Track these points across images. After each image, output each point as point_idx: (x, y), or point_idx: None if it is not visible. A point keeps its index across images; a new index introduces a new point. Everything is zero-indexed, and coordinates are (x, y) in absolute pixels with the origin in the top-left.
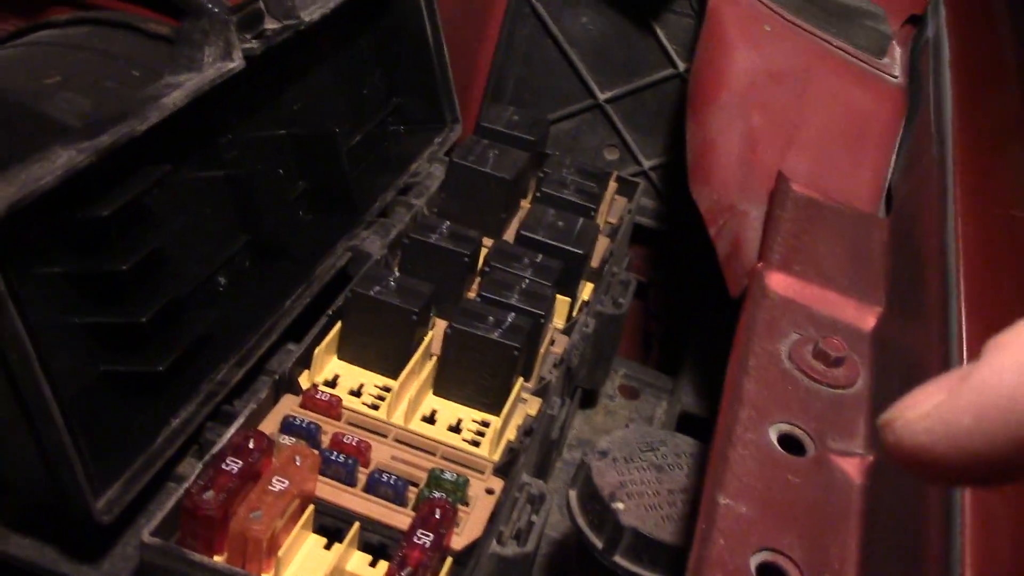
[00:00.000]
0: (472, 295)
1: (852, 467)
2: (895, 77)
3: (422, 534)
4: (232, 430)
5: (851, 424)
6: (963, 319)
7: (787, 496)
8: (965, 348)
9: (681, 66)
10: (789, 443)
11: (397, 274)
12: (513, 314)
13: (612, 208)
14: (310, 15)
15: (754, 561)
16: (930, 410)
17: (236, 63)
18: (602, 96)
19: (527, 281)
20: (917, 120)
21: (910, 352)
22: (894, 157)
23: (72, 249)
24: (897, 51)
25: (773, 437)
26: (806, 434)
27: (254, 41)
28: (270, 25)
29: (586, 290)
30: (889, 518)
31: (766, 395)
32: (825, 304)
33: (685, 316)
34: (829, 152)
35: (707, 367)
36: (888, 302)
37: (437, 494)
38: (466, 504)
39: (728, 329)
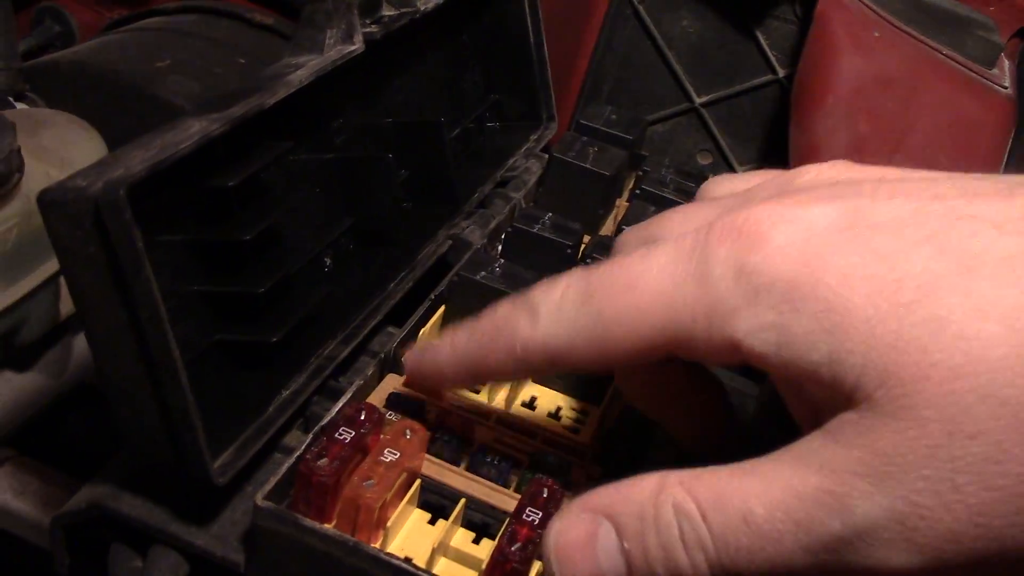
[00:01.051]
0: None
1: None
2: (1005, 88)
3: (531, 511)
4: (340, 404)
5: None
6: None
7: None
8: None
9: (781, 72)
10: None
11: (502, 261)
12: None
13: None
14: (425, 3)
15: None
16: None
17: (357, 46)
18: (699, 100)
19: None
20: None
21: None
22: (1003, 167)
23: (196, 218)
24: (1007, 63)
25: None
26: None
27: (373, 26)
28: (387, 11)
29: None
30: None
31: None
32: None
33: None
34: (937, 160)
35: None
36: None
37: (544, 477)
38: (568, 489)
39: None
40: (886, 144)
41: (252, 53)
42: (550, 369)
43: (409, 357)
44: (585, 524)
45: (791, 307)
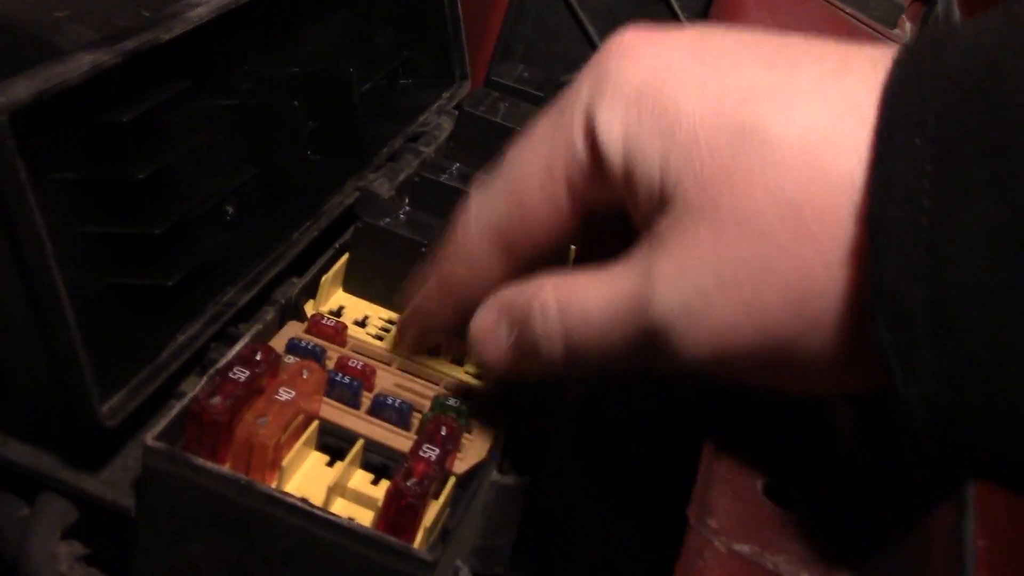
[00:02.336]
0: None
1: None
2: None
3: (428, 448)
4: (237, 347)
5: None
6: None
7: (796, 429)
8: None
9: None
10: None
11: (407, 208)
12: None
13: None
14: None
15: (760, 480)
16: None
17: None
18: None
19: None
20: None
21: None
22: None
23: (88, 156)
24: (908, 25)
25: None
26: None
27: None
28: None
29: None
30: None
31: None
32: None
33: None
34: None
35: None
36: None
37: (443, 416)
38: (469, 432)
39: None
40: None
41: (156, 8)
42: (502, 261)
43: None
44: (492, 315)
45: (636, 109)
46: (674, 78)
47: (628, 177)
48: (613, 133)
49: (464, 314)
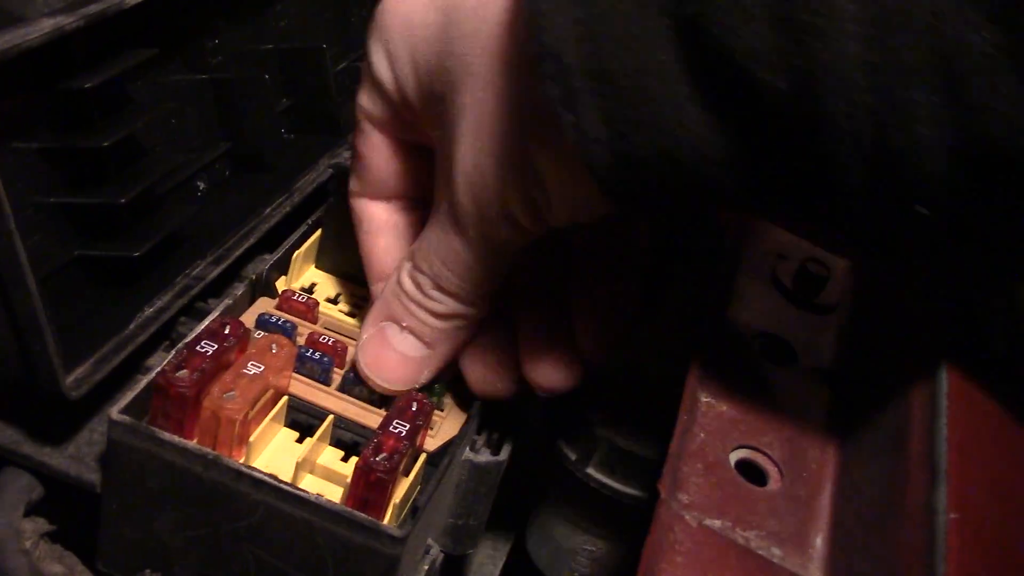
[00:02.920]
0: None
1: (832, 380)
2: None
3: (399, 423)
4: (206, 322)
5: (832, 341)
6: None
7: (769, 401)
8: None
9: None
10: (772, 354)
11: None
12: None
13: None
14: None
15: (733, 456)
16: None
17: None
18: None
19: None
20: None
21: (887, 274)
22: None
23: (50, 123)
24: None
25: (756, 347)
26: (790, 347)
27: None
28: None
29: None
30: (870, 420)
31: (751, 309)
32: (810, 232)
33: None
34: None
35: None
36: None
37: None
38: (441, 410)
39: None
40: None
41: None
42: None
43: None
44: (375, 332)
45: (384, 35)
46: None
47: (404, 99)
48: (380, 65)
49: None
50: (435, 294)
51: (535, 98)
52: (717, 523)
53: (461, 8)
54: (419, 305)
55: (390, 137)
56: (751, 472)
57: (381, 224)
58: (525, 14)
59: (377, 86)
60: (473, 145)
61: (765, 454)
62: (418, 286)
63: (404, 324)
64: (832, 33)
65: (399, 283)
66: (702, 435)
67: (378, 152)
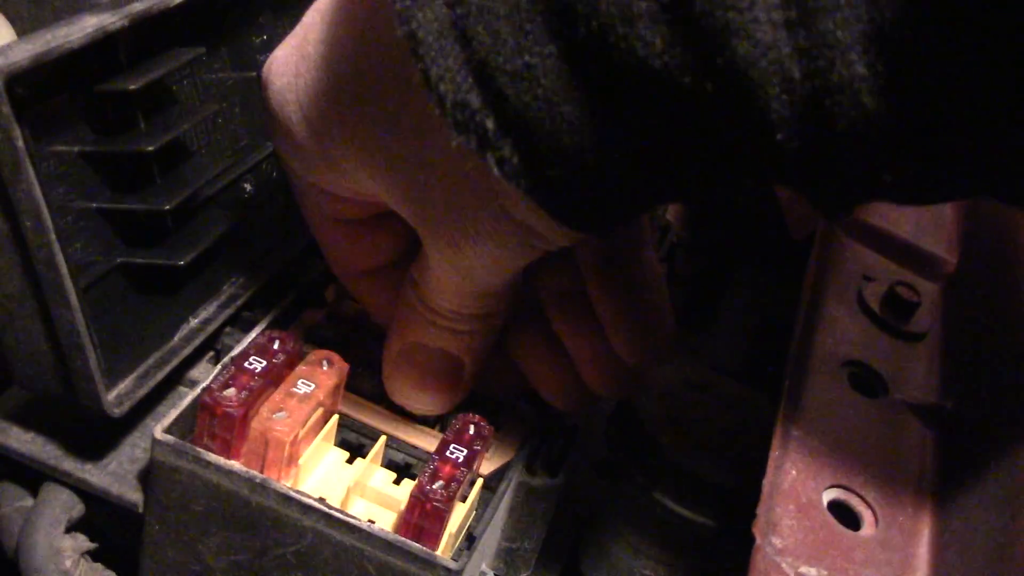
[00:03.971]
0: None
1: (924, 412)
2: None
3: (455, 448)
4: (253, 334)
5: (924, 372)
6: None
7: (861, 436)
8: None
9: None
10: (861, 384)
11: None
12: None
13: None
14: None
15: (826, 496)
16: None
17: None
18: None
19: None
20: None
21: (984, 302)
22: None
23: (94, 126)
24: None
25: (845, 376)
26: (879, 377)
27: None
28: None
29: None
30: (978, 468)
31: (838, 335)
32: (898, 252)
33: (713, 277)
34: None
35: (740, 324)
36: (960, 254)
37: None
38: (497, 430)
39: (758, 285)
40: None
41: None
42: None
43: None
44: (397, 359)
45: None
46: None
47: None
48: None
49: None
50: (449, 313)
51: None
52: (813, 572)
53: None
54: (433, 325)
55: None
56: (844, 515)
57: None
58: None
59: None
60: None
61: (859, 495)
62: (429, 307)
63: (425, 343)
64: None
65: (408, 305)
66: (794, 472)
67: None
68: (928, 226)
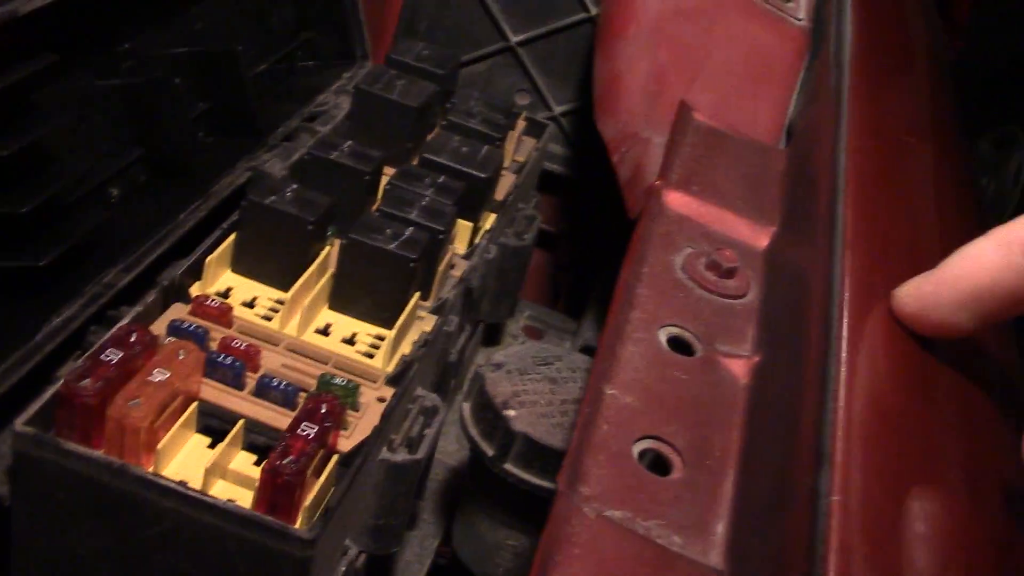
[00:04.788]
0: None
1: (738, 367)
2: (799, 20)
3: (307, 426)
4: (115, 329)
5: (740, 330)
6: (849, 235)
7: (673, 391)
8: (848, 261)
9: (593, 10)
10: (678, 345)
11: (295, 186)
12: (411, 228)
13: (520, 147)
14: None
15: (637, 447)
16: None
17: None
18: (514, 38)
19: (427, 198)
20: (818, 60)
21: (798, 265)
22: (795, 95)
23: None
24: None
25: (662, 338)
26: (695, 337)
27: None
28: None
29: (490, 220)
30: (769, 410)
31: (657, 300)
32: (720, 222)
33: (592, 267)
34: (732, 88)
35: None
36: (781, 222)
37: (327, 393)
38: (356, 410)
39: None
40: (685, 73)
41: None
42: None
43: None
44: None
45: None
46: None
47: None
48: None
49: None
50: None
51: None
52: (617, 514)
53: None
54: None
55: None
56: (655, 462)
57: None
58: None
59: None
60: None
61: (669, 444)
62: None
63: None
64: None
65: None
66: (605, 427)
67: None
68: (752, 194)
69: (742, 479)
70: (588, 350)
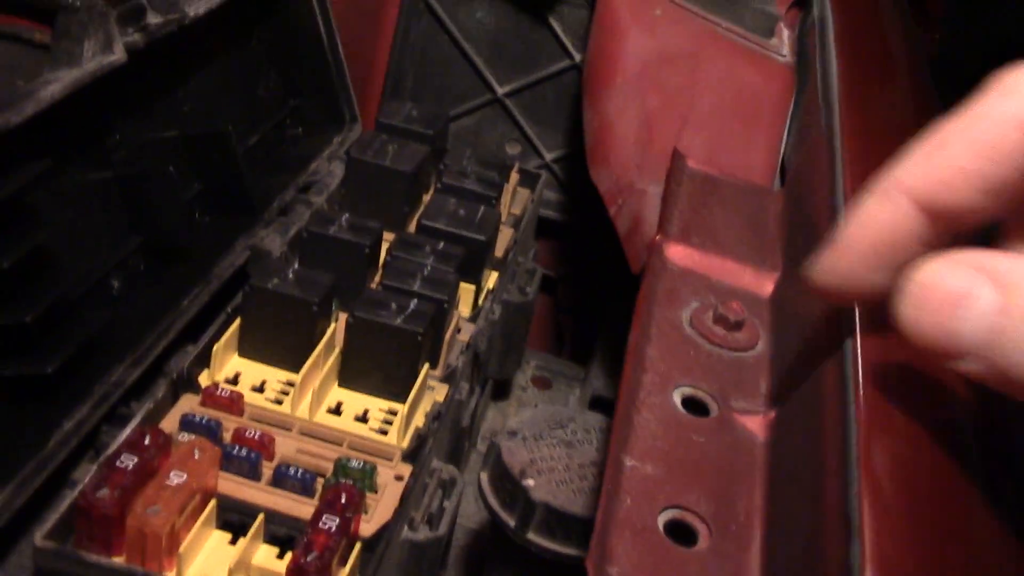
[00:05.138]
0: (375, 286)
1: (755, 424)
2: (784, 56)
3: (328, 519)
4: (128, 430)
5: (753, 384)
6: None
7: (692, 455)
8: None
9: (577, 57)
10: (693, 405)
11: (297, 267)
12: (416, 300)
13: (515, 199)
14: (195, 9)
15: (662, 519)
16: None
17: (117, 56)
18: (501, 90)
19: (429, 268)
20: (805, 95)
21: (806, 311)
22: (786, 132)
23: None
24: (785, 32)
25: (677, 400)
26: (709, 396)
27: (136, 34)
28: (153, 19)
29: (491, 279)
30: (791, 469)
31: (668, 360)
32: (724, 272)
33: (595, 309)
34: (723, 130)
35: (617, 352)
36: (784, 268)
37: (344, 481)
38: (375, 491)
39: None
40: (675, 117)
41: (34, 76)
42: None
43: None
44: (962, 277)
45: None
46: None
47: None
48: None
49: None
50: None
51: None
52: None
53: None
54: None
55: None
56: (680, 533)
57: None
58: None
59: None
60: None
61: (694, 512)
62: None
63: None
64: None
65: None
66: (628, 500)
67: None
68: (752, 240)
69: (769, 546)
70: (599, 400)
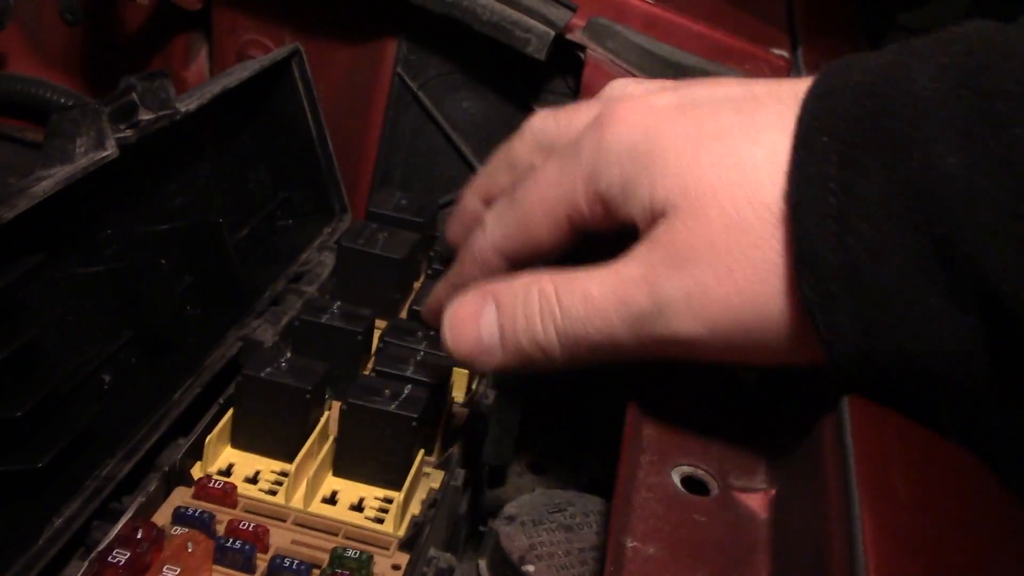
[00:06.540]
0: (368, 373)
1: (756, 502)
2: None
3: None
4: (119, 525)
5: (752, 460)
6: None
7: (694, 535)
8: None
9: None
10: (693, 485)
11: (289, 356)
12: (410, 386)
13: None
14: (186, 106)
15: None
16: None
17: (109, 151)
18: None
19: (422, 353)
20: None
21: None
22: None
23: None
24: None
25: (677, 480)
26: (709, 474)
27: (128, 131)
28: (145, 116)
29: None
30: (794, 549)
31: (667, 439)
32: None
33: (587, 384)
34: None
35: (612, 432)
36: None
37: (341, 572)
38: None
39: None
40: None
41: (26, 174)
42: (505, 263)
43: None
44: (475, 302)
45: (630, 162)
46: (660, 132)
47: (626, 207)
48: (614, 186)
49: None
50: (550, 320)
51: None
52: None
53: (749, 164)
54: (535, 314)
55: (568, 226)
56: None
57: None
58: (789, 223)
59: (595, 201)
60: (714, 264)
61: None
62: (545, 301)
63: (501, 320)
64: None
65: (526, 290)
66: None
67: (553, 234)
68: None
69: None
70: (596, 484)
